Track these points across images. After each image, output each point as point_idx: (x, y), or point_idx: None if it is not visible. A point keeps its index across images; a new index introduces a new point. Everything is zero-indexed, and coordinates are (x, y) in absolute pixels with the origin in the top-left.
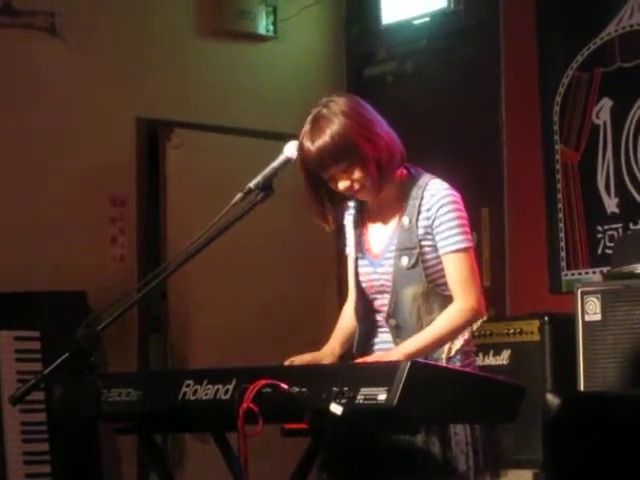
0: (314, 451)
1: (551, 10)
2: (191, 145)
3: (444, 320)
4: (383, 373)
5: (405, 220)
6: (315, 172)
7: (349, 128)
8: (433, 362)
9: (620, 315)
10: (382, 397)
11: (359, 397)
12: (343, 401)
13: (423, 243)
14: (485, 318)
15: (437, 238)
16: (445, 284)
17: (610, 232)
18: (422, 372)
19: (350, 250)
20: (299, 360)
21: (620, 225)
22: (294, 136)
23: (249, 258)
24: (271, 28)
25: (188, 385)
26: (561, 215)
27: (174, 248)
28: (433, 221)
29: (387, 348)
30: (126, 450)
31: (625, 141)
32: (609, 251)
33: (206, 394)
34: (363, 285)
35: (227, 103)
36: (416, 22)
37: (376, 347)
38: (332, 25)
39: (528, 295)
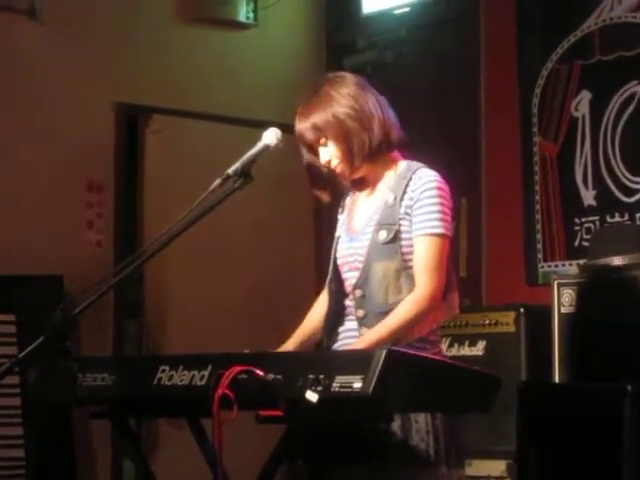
0: (289, 438)
1: (531, 2)
2: (170, 131)
3: (403, 309)
4: (359, 361)
5: (390, 197)
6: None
7: (337, 116)
8: (409, 350)
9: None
10: (358, 385)
11: (335, 385)
12: (319, 389)
13: (402, 222)
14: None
15: (414, 220)
16: None
17: (587, 224)
18: (398, 360)
19: (337, 233)
20: None
21: (597, 218)
22: (273, 123)
23: (227, 245)
24: (251, 16)
25: (164, 370)
26: (538, 207)
27: (151, 234)
28: (415, 202)
29: (351, 336)
30: (100, 436)
31: (603, 134)
32: (586, 243)
33: (181, 380)
34: (338, 262)
35: (207, 90)
36: (396, 12)
37: (340, 336)
38: (312, 13)
39: (504, 286)
